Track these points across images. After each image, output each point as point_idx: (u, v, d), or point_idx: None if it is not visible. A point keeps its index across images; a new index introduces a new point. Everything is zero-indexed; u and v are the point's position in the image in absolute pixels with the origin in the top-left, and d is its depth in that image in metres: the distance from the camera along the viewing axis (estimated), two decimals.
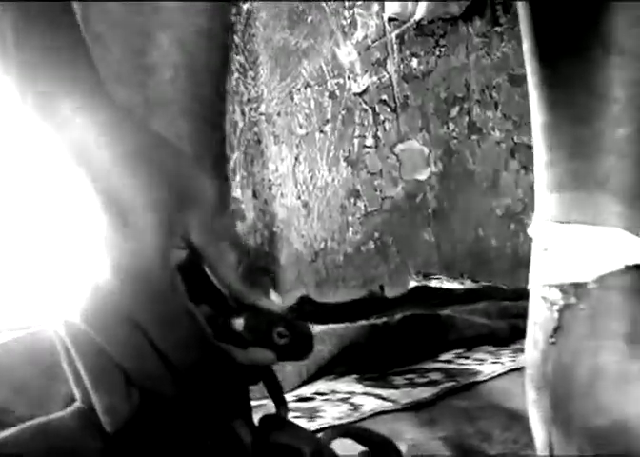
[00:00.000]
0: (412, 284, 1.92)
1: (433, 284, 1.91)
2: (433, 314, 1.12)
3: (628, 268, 0.46)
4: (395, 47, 1.93)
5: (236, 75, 2.19)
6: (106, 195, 0.38)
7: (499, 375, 0.92)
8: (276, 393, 0.47)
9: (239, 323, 0.42)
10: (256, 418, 0.46)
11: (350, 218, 2.07)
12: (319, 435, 0.46)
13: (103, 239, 0.37)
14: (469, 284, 1.93)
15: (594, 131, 0.48)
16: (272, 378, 0.47)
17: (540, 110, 0.51)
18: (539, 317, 0.49)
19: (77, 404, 0.43)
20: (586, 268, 0.46)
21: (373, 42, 1.97)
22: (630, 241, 0.47)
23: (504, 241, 2.04)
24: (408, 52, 1.92)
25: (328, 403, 0.84)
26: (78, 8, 0.42)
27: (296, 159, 2.17)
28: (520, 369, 0.53)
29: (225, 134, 0.49)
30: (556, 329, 0.47)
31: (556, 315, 0.47)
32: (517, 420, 0.69)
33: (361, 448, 0.47)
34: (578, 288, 0.47)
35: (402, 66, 1.92)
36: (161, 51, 0.44)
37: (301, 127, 2.16)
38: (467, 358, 1.05)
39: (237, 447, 0.44)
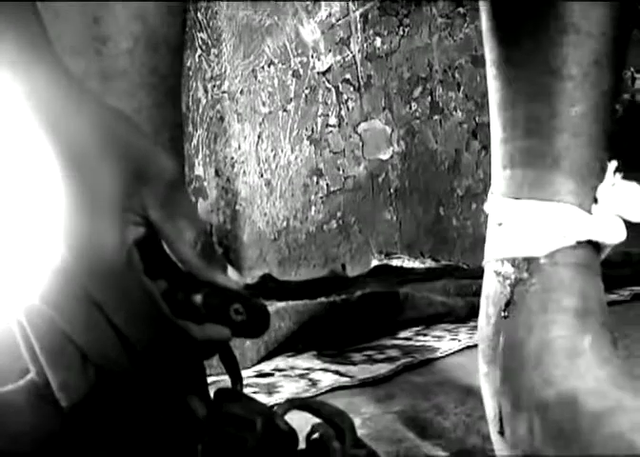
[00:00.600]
0: (374, 263, 1.93)
1: (395, 263, 1.92)
2: (392, 292, 1.12)
3: (579, 243, 0.47)
4: (359, 26, 1.93)
5: (199, 52, 2.17)
6: (61, 171, 0.37)
7: (456, 352, 0.94)
8: (232, 368, 0.48)
9: (197, 299, 0.42)
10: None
11: (312, 197, 2.07)
12: (274, 408, 0.46)
13: (58, 216, 0.37)
14: (429, 263, 1.95)
15: (549, 109, 0.48)
16: (229, 353, 0.47)
17: (496, 88, 0.51)
18: (492, 291, 0.49)
19: (30, 376, 0.43)
20: (538, 244, 0.47)
21: (337, 21, 1.96)
22: (582, 217, 0.47)
23: (464, 221, 2.06)
24: (371, 32, 1.92)
25: (286, 378, 0.84)
26: None
27: (259, 137, 2.16)
28: (477, 346, 0.54)
29: (181, 110, 0.48)
30: (508, 304, 0.48)
31: (508, 289, 0.48)
32: (472, 395, 0.70)
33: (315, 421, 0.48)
34: (530, 262, 0.47)
35: (365, 45, 1.92)
36: (118, 22, 0.43)
37: (264, 105, 2.15)
38: (425, 335, 1.06)
39: (191, 420, 0.44)
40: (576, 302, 0.47)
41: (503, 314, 0.48)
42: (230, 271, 0.45)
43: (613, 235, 0.48)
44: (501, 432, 0.49)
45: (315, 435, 0.46)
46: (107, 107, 0.40)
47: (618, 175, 0.50)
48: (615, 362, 0.46)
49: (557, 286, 0.47)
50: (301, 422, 0.47)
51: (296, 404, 0.48)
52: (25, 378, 0.44)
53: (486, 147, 2.08)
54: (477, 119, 2.08)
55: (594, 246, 0.48)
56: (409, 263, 1.93)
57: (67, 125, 0.37)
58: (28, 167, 0.38)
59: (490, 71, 0.52)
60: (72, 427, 0.42)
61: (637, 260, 1.61)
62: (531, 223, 0.47)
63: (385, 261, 1.94)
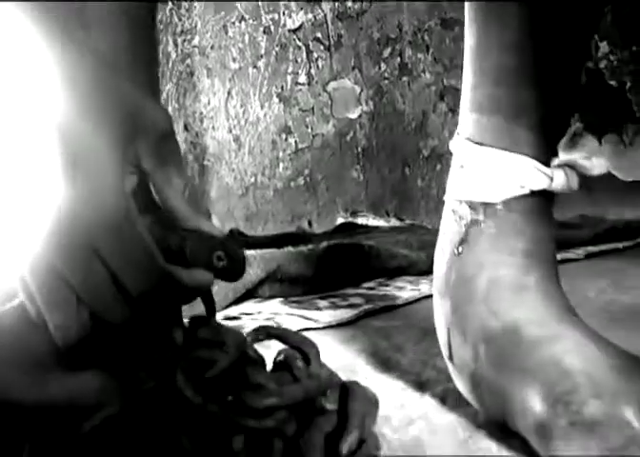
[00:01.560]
0: (340, 220, 1.96)
1: (360, 221, 1.95)
2: (357, 244, 1.16)
3: (532, 192, 0.51)
4: None
5: (170, 6, 2.16)
6: (60, 126, 0.40)
7: (416, 300, 0.98)
8: (207, 299, 0.51)
9: (184, 246, 0.46)
10: None
11: (280, 154, 2.09)
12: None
13: (62, 165, 0.39)
14: (394, 222, 1.98)
15: (518, 62, 0.51)
16: (208, 292, 0.51)
17: (471, 34, 0.53)
18: (448, 229, 0.53)
19: (19, 300, 0.46)
20: (495, 190, 0.50)
21: None
22: (538, 169, 0.51)
23: (429, 181, 2.11)
24: None
25: (253, 321, 0.88)
26: None
27: (229, 93, 2.17)
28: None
29: (157, 49, 0.51)
30: (462, 242, 0.51)
31: (464, 229, 0.51)
32: (429, 336, 0.74)
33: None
34: (486, 206, 0.51)
35: (337, 4, 1.93)
36: None
37: (234, 61, 2.15)
38: (387, 285, 1.10)
39: (169, 345, 0.47)
40: (526, 244, 0.50)
41: (457, 251, 0.52)
42: (214, 219, 0.48)
43: (567, 186, 0.52)
44: (450, 358, 0.53)
45: (281, 357, 0.50)
46: (100, 60, 0.42)
47: (578, 126, 0.54)
48: (557, 298, 0.50)
49: (510, 229, 0.50)
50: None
51: (264, 332, 0.52)
52: (12, 302, 0.47)
53: (452, 109, 2.11)
54: (445, 81, 2.10)
55: (548, 195, 0.52)
56: (374, 221, 1.96)
57: (63, 82, 0.39)
58: (32, 117, 0.41)
59: (468, 16, 0.53)
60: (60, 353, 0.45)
61: (594, 223, 1.66)
62: (491, 170, 0.50)
63: (350, 219, 1.97)
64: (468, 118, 0.53)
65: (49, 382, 0.45)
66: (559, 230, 1.48)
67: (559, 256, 1.30)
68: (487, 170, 0.51)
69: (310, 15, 1.99)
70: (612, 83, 2.05)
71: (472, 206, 0.51)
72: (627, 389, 0.43)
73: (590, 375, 0.44)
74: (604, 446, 0.39)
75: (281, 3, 2.03)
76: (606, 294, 0.97)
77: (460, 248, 0.51)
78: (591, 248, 1.41)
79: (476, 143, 0.51)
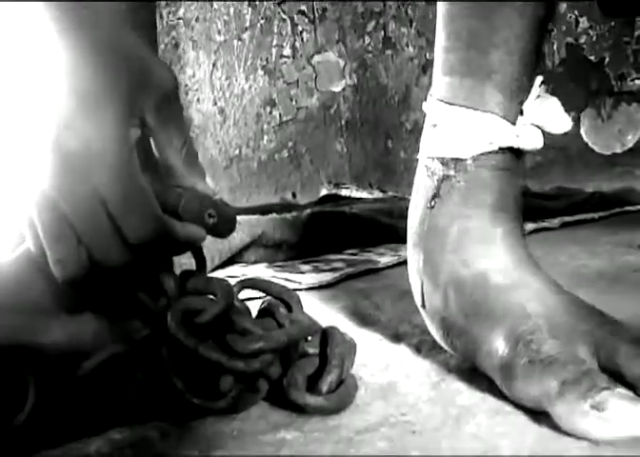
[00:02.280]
0: (323, 192, 1.99)
1: (343, 193, 1.97)
2: (340, 211, 1.19)
3: (501, 149, 0.54)
4: None
5: None
6: (70, 77, 0.43)
7: (396, 264, 1.02)
8: (198, 254, 0.54)
9: (178, 202, 0.49)
10: None
11: (265, 126, 2.11)
12: None
13: (70, 111, 0.42)
14: (377, 194, 2.01)
15: (489, 26, 0.54)
16: (199, 247, 0.54)
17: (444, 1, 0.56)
18: (421, 185, 0.57)
19: (21, 248, 0.49)
20: (465, 147, 0.54)
21: None
22: (506, 127, 0.54)
23: (412, 154, 2.14)
24: None
25: None
26: None
27: (214, 65, 2.18)
28: None
29: (155, 13, 0.53)
30: (434, 196, 0.55)
31: (436, 184, 0.55)
32: (407, 296, 0.77)
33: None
34: (457, 162, 0.54)
35: None
36: None
37: (219, 33, 2.16)
38: (369, 252, 1.14)
39: (162, 293, 0.51)
40: (494, 198, 0.54)
41: (429, 205, 0.55)
42: (208, 179, 0.51)
43: (532, 143, 0.55)
44: (423, 305, 0.56)
45: (264, 305, 0.53)
46: (112, 21, 0.45)
47: (542, 88, 0.57)
48: (522, 249, 0.54)
49: (479, 184, 0.54)
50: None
51: (248, 283, 0.55)
52: (16, 251, 0.50)
53: None
54: (428, 55, 2.13)
55: (516, 152, 0.55)
56: (357, 193, 1.99)
57: (75, 38, 0.42)
58: (43, 60, 0.44)
59: None
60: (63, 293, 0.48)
61: (570, 194, 1.70)
62: (462, 127, 0.54)
63: (334, 191, 2.00)
64: (440, 80, 0.56)
65: (51, 326, 0.48)
66: (537, 201, 1.52)
67: (536, 225, 1.34)
68: (457, 128, 0.54)
69: None
70: (592, 58, 2.09)
71: (444, 162, 0.55)
72: (581, 331, 0.47)
73: (550, 318, 0.48)
74: (559, 379, 0.43)
75: None
76: (577, 259, 1.01)
77: (432, 202, 0.55)
78: (567, 218, 1.45)
79: (448, 103, 0.55)
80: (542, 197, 1.64)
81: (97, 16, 0.44)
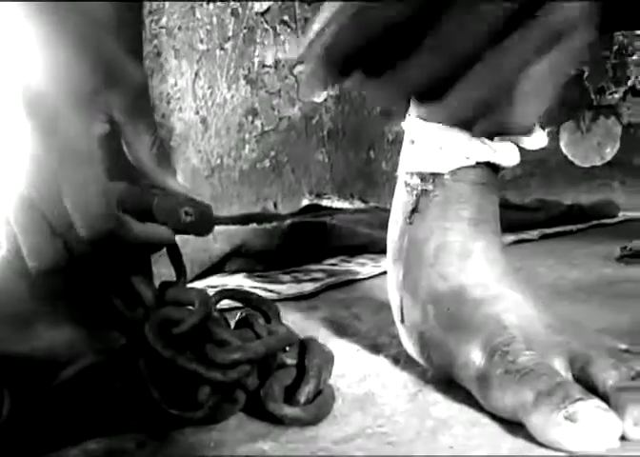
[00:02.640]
0: (304, 202, 1.99)
1: (324, 203, 1.98)
2: (320, 222, 1.20)
3: (478, 164, 0.55)
4: None
5: None
6: (35, 72, 0.43)
7: (376, 275, 1.02)
8: (177, 263, 0.54)
9: (151, 201, 0.48)
10: None
11: (246, 136, 2.11)
12: None
13: (35, 104, 0.42)
14: (358, 204, 2.02)
15: None
16: (175, 249, 0.54)
17: None
18: (400, 200, 0.57)
19: (1, 254, 0.49)
20: (443, 162, 0.54)
21: None
22: (482, 142, 0.55)
23: (393, 165, 2.14)
24: None
25: None
26: None
27: (196, 74, 2.18)
28: None
29: (142, 22, 0.53)
30: (413, 211, 0.56)
31: (415, 198, 0.56)
32: (387, 307, 0.78)
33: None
34: (435, 177, 0.55)
35: None
36: None
37: (202, 42, 2.17)
38: (349, 262, 1.14)
39: (140, 303, 0.51)
40: (472, 212, 0.55)
41: (409, 220, 0.56)
42: (179, 177, 0.51)
43: (508, 159, 0.56)
44: (402, 321, 0.57)
45: (242, 316, 0.53)
46: (84, 15, 0.45)
47: None
48: (501, 263, 0.54)
49: (457, 198, 0.54)
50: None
51: (227, 293, 0.56)
52: None
53: None
54: None
55: (492, 167, 0.56)
56: (338, 203, 1.99)
57: (44, 29, 0.42)
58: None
59: None
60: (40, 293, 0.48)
61: (549, 206, 1.71)
62: (439, 143, 0.54)
63: (315, 201, 2.00)
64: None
65: (27, 335, 0.48)
66: (517, 213, 1.54)
67: (515, 237, 1.35)
68: (435, 144, 0.55)
69: None
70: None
71: (422, 177, 0.55)
72: (556, 342, 0.48)
73: (526, 330, 0.49)
74: (534, 390, 0.44)
75: None
76: (555, 271, 1.02)
77: (411, 217, 0.55)
78: (546, 230, 1.47)
79: (425, 120, 0.55)
80: (521, 209, 1.65)
81: (67, 14, 0.44)
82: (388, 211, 1.68)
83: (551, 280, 0.96)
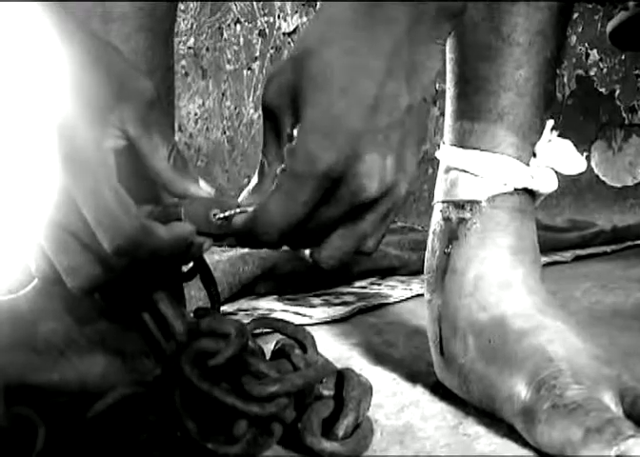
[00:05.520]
0: None
1: None
2: None
3: (516, 191, 0.54)
4: None
5: None
6: (51, 88, 0.42)
7: (407, 298, 1.01)
8: (211, 288, 0.53)
9: (178, 210, 0.47)
10: None
11: None
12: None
13: (51, 120, 0.41)
14: None
15: (497, 70, 0.54)
16: (208, 273, 0.53)
17: (451, 48, 0.57)
18: (437, 229, 0.56)
19: (31, 286, 0.48)
20: (480, 189, 0.53)
21: None
22: (520, 168, 0.54)
23: (421, 184, 2.13)
24: None
25: (248, 317, 0.90)
26: None
27: (223, 95, 2.19)
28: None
29: (173, 53, 0.53)
30: (451, 240, 0.54)
31: (452, 227, 0.55)
32: (420, 333, 0.76)
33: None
34: (473, 205, 0.54)
35: None
36: None
37: (229, 63, 2.18)
38: (379, 285, 1.13)
39: (170, 336, 0.50)
40: (511, 240, 0.53)
41: (446, 250, 0.55)
42: (202, 182, 0.49)
43: (547, 185, 0.55)
44: (441, 353, 0.55)
45: (279, 346, 0.52)
46: (95, 38, 0.45)
47: (554, 132, 0.57)
48: (541, 292, 0.53)
49: (495, 226, 0.53)
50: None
51: (263, 323, 0.54)
52: (27, 287, 0.49)
53: (444, 113, 2.15)
54: (437, 87, 2.14)
55: (530, 193, 0.55)
56: None
57: (64, 49, 0.42)
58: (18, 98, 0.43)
59: None
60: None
61: (582, 226, 1.69)
62: (475, 170, 0.54)
63: None
64: (452, 126, 0.57)
65: (60, 365, 0.48)
66: (549, 233, 1.52)
67: (548, 258, 1.33)
68: (472, 171, 0.54)
69: (304, 18, 2.02)
70: (602, 90, 2.09)
71: (459, 205, 0.54)
72: (605, 376, 0.46)
73: (572, 362, 0.47)
74: (583, 427, 0.42)
75: (276, 6, 2.06)
76: (591, 294, 1.00)
77: (449, 246, 0.54)
78: (579, 252, 1.44)
79: (460, 147, 0.55)
80: (553, 230, 1.63)
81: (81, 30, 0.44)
82: (416, 232, 1.65)
83: (588, 305, 0.94)
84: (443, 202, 0.56)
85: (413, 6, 0.39)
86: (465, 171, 0.54)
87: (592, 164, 2.07)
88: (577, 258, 1.39)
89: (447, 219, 0.55)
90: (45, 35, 0.43)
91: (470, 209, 0.54)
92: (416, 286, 1.09)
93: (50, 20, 0.43)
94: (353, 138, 0.39)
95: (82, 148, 0.41)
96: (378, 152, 0.40)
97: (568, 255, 1.40)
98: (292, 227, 0.42)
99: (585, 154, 2.06)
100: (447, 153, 0.55)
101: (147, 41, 0.49)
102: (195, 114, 2.24)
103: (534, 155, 0.56)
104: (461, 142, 0.55)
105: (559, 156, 0.55)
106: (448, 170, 0.55)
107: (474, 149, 0.54)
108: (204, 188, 0.47)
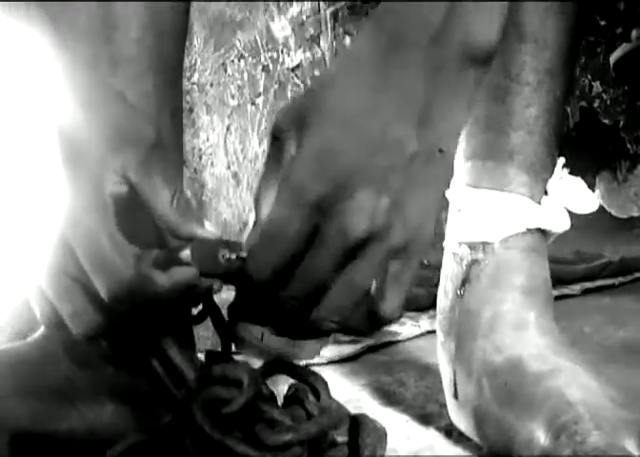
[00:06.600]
0: None
1: None
2: None
3: (529, 230, 0.54)
4: (329, 24, 1.96)
5: None
6: (54, 133, 0.42)
7: (417, 336, 1.00)
8: (222, 328, 0.52)
9: (185, 254, 0.46)
10: None
11: None
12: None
13: (51, 170, 0.41)
14: None
15: (507, 109, 0.54)
16: (218, 315, 0.52)
17: None
18: (450, 270, 0.55)
19: (39, 333, 0.48)
20: (493, 230, 0.53)
21: (308, 18, 2.00)
22: (532, 207, 0.54)
23: None
24: (341, 30, 1.95)
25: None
26: None
27: (227, 129, 2.20)
28: (435, 332, 0.60)
29: (182, 92, 0.53)
30: (464, 281, 0.54)
31: (465, 269, 0.54)
32: (431, 372, 0.76)
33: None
34: (485, 246, 0.53)
35: (335, 43, 1.96)
36: (128, 9, 0.47)
37: (233, 98, 2.19)
38: None
39: (180, 382, 0.49)
40: (524, 281, 0.53)
41: (459, 292, 0.54)
42: (207, 224, 0.49)
43: (559, 224, 0.55)
44: (455, 395, 0.55)
45: (292, 391, 0.51)
46: (101, 83, 0.45)
47: (565, 170, 0.57)
48: (555, 333, 0.52)
49: (508, 266, 0.53)
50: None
51: (275, 367, 0.54)
52: (33, 335, 0.49)
53: None
54: None
55: (542, 232, 0.55)
56: None
57: (65, 94, 0.42)
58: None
59: None
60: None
61: (589, 258, 1.68)
62: (488, 210, 0.53)
63: None
64: (463, 165, 0.56)
65: (68, 413, 0.47)
66: (555, 266, 1.51)
67: (557, 292, 1.32)
68: (483, 211, 0.54)
69: (308, 53, 2.02)
70: (606, 121, 2.10)
71: (472, 246, 0.54)
72: (626, 421, 0.45)
73: (592, 406, 0.46)
74: None
75: (280, 41, 2.07)
76: (601, 330, 0.99)
77: (462, 288, 0.54)
78: (587, 284, 1.43)
79: (472, 187, 0.54)
80: (560, 262, 1.62)
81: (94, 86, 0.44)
82: (423, 265, 1.65)
83: (599, 340, 0.93)
84: (455, 243, 0.55)
85: (432, 51, 0.38)
86: (477, 212, 0.54)
87: (598, 195, 2.07)
88: (585, 291, 1.38)
89: (459, 260, 0.55)
90: (47, 79, 0.43)
91: (483, 251, 0.53)
92: (425, 322, 1.08)
93: (55, 63, 0.43)
94: (347, 172, 0.38)
95: (80, 193, 0.41)
96: (372, 191, 0.38)
97: (577, 288, 1.39)
98: (284, 263, 0.40)
99: (589, 183, 2.06)
100: (458, 193, 0.55)
101: (155, 82, 0.49)
102: (200, 149, 2.25)
103: (546, 193, 0.55)
104: (472, 182, 0.54)
105: (571, 194, 0.55)
106: (459, 210, 0.55)
107: (486, 188, 0.54)
108: (209, 230, 0.46)
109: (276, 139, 0.41)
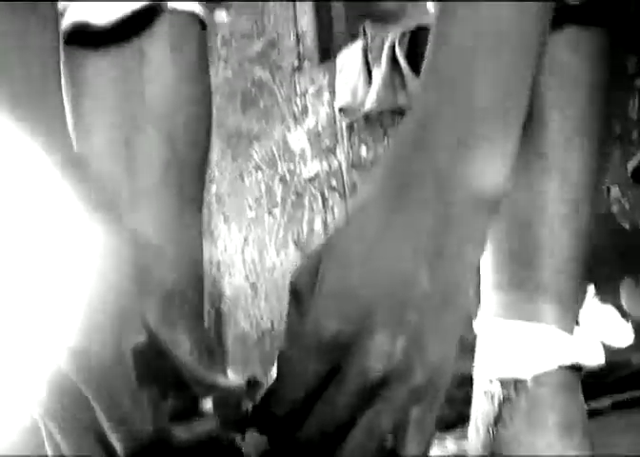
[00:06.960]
0: None
1: None
2: None
3: (560, 366, 0.51)
4: (345, 135, 1.99)
5: None
6: (72, 283, 0.41)
7: None
8: None
9: (207, 406, 0.45)
10: None
11: None
12: None
13: (66, 319, 0.40)
14: None
15: (533, 243, 0.53)
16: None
17: None
18: (481, 408, 0.53)
19: None
20: (524, 366, 0.51)
21: (324, 129, 2.03)
22: (564, 340, 0.52)
23: None
24: (357, 141, 1.98)
25: None
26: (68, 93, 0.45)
27: (245, 240, 2.21)
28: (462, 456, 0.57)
29: (202, 211, 0.52)
30: (496, 420, 0.51)
31: (497, 407, 0.52)
32: None
33: None
34: (517, 383, 0.51)
35: (351, 153, 1.98)
36: (149, 144, 0.47)
37: (251, 208, 2.21)
38: None
39: None
40: (560, 419, 0.50)
41: (492, 430, 0.52)
42: (229, 371, 0.47)
43: (594, 358, 0.52)
44: None
45: None
46: (119, 228, 0.44)
47: (596, 298, 0.55)
48: None
49: (542, 404, 0.50)
50: None
51: None
52: None
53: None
54: None
55: (577, 367, 0.52)
56: None
57: (84, 244, 0.41)
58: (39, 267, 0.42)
59: None
60: None
61: (616, 367, 1.64)
62: (518, 344, 0.51)
63: None
64: (491, 297, 0.54)
65: None
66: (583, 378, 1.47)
67: (585, 406, 1.27)
68: (515, 345, 0.52)
69: (324, 164, 2.04)
70: (625, 226, 2.09)
71: (503, 383, 0.52)
72: None
73: None
74: None
75: (296, 152, 2.09)
76: (636, 451, 0.95)
77: (495, 428, 0.51)
78: (617, 397, 1.39)
79: (501, 318, 0.52)
80: (587, 374, 1.58)
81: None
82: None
83: None
84: (485, 379, 0.53)
85: (442, 196, 0.38)
86: (507, 345, 0.52)
87: (622, 301, 2.04)
88: (616, 405, 1.33)
89: (490, 398, 0.52)
90: (58, 228, 0.42)
91: (515, 388, 0.51)
92: (450, 443, 1.04)
93: (67, 210, 0.42)
94: (362, 311, 0.38)
95: (98, 348, 0.40)
96: (388, 331, 0.38)
97: (606, 403, 1.34)
98: (301, 403, 0.39)
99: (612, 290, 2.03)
100: (486, 326, 0.53)
101: (173, 214, 0.48)
102: (218, 260, 2.25)
103: (577, 324, 0.53)
104: (500, 313, 0.53)
105: (604, 326, 0.53)
106: (488, 345, 0.53)
107: (514, 319, 0.52)
108: (232, 380, 0.45)
109: (295, 297, 0.41)
